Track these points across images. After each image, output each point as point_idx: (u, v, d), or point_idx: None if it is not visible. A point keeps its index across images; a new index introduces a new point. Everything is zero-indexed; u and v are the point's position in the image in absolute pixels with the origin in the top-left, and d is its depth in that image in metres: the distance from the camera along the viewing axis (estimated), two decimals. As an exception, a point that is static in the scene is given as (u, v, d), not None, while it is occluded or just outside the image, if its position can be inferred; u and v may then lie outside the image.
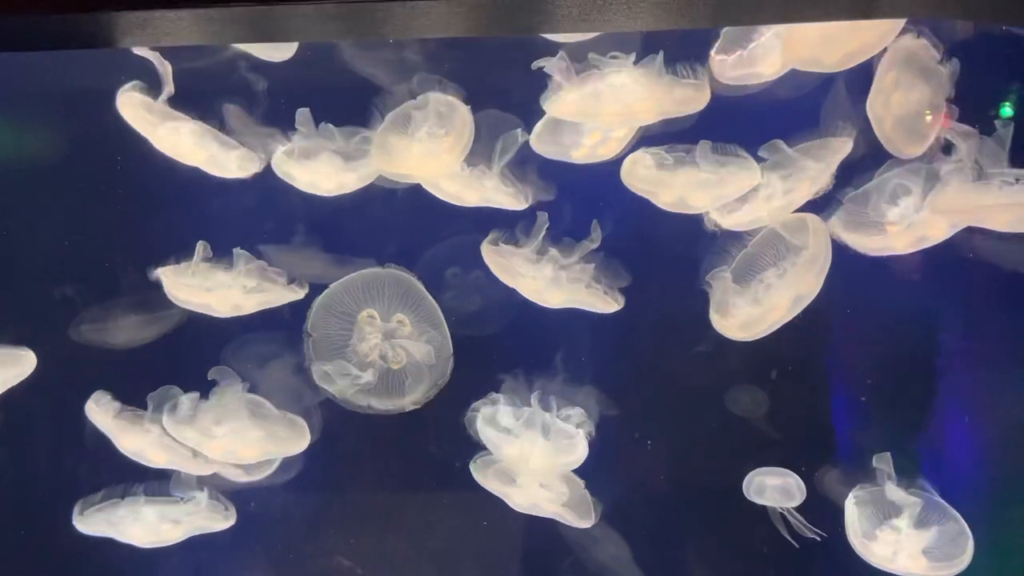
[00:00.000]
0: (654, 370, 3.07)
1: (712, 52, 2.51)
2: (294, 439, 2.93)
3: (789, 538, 2.88)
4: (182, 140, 2.77)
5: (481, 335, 3.01)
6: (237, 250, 2.85)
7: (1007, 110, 2.72)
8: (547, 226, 2.77)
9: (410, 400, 2.94)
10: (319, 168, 2.80)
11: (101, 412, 2.92)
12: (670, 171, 2.64)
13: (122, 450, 2.94)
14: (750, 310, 2.71)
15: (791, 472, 2.87)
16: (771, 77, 2.55)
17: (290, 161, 2.80)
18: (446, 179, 2.83)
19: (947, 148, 2.55)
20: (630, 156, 2.68)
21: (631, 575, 3.06)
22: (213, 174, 2.85)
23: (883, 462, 2.72)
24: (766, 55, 2.49)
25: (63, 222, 3.13)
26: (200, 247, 2.82)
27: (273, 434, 2.89)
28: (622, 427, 2.98)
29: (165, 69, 2.66)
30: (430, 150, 2.73)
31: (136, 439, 2.91)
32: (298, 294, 2.89)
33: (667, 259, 2.94)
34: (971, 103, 2.57)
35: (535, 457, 2.82)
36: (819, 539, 2.86)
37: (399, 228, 3.01)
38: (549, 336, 2.95)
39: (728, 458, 2.96)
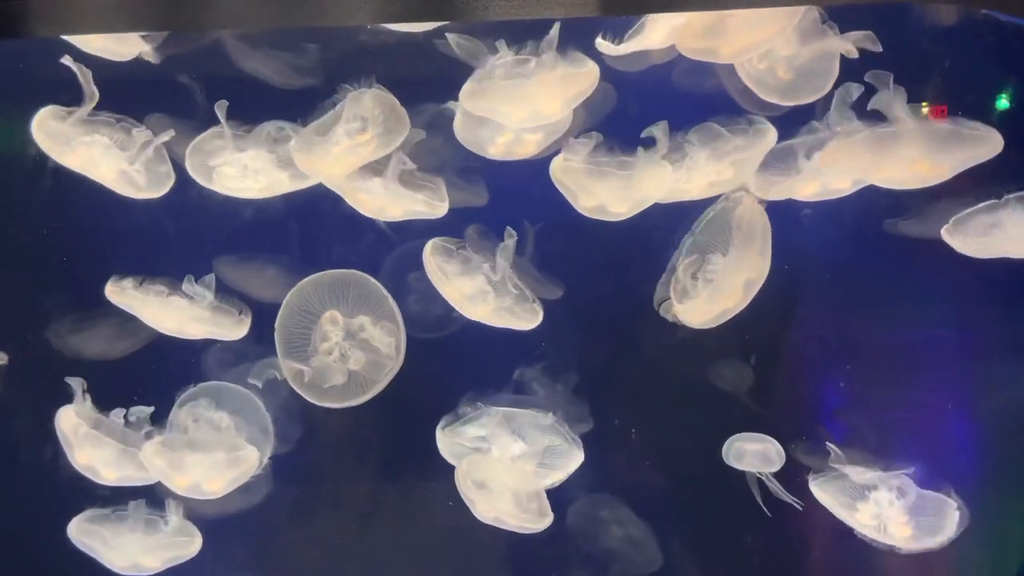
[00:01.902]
0: (630, 358, 3.05)
1: (599, 36, 2.51)
2: (251, 459, 2.93)
3: (762, 505, 2.90)
4: (94, 158, 2.75)
5: (449, 337, 2.98)
6: (187, 282, 2.83)
7: (1003, 102, 2.71)
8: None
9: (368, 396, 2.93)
10: (246, 167, 2.75)
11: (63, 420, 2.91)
12: (595, 176, 2.61)
13: (75, 464, 2.92)
14: (705, 304, 2.72)
15: (770, 438, 2.89)
16: (658, 48, 2.53)
17: (212, 166, 2.76)
18: (365, 195, 2.77)
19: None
20: (563, 151, 2.65)
21: (624, 566, 3.08)
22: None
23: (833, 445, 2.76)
24: (650, 37, 2.48)
25: (30, 223, 3.07)
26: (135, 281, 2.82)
27: (234, 459, 2.90)
28: (603, 419, 2.96)
29: (85, 76, 2.59)
30: (348, 149, 2.66)
31: (90, 454, 2.89)
32: (244, 325, 2.88)
33: (636, 246, 2.92)
34: (960, 92, 2.59)
35: (508, 469, 2.84)
36: (799, 507, 2.88)
37: (352, 232, 2.95)
38: (519, 336, 2.91)
39: (711, 439, 2.96)
